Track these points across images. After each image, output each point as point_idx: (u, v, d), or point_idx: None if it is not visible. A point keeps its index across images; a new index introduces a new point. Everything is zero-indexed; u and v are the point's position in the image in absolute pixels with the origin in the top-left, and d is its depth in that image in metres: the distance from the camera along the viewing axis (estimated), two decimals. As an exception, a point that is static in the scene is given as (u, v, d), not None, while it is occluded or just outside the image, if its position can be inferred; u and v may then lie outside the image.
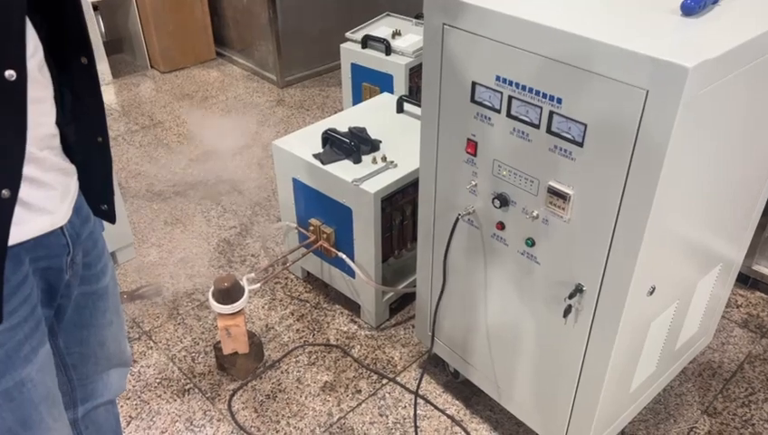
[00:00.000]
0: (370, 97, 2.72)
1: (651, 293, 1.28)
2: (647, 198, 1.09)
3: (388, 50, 2.68)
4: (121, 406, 1.76)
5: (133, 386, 1.82)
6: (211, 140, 3.09)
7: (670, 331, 1.51)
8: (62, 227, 0.93)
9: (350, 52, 2.80)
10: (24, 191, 0.83)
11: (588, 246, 1.22)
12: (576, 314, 1.30)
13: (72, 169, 0.97)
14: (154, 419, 1.73)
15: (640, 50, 0.99)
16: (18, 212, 0.83)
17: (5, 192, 0.78)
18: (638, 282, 1.20)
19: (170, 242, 2.40)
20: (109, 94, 3.56)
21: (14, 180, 0.78)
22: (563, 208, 1.22)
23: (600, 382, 1.34)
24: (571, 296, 1.27)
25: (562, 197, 1.21)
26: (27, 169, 0.84)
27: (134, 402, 1.77)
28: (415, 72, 2.65)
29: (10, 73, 0.73)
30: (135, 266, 2.28)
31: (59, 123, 0.90)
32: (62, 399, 1.16)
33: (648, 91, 1.00)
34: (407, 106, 2.16)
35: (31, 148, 0.83)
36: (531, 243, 1.32)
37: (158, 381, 1.84)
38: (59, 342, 1.07)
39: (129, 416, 1.74)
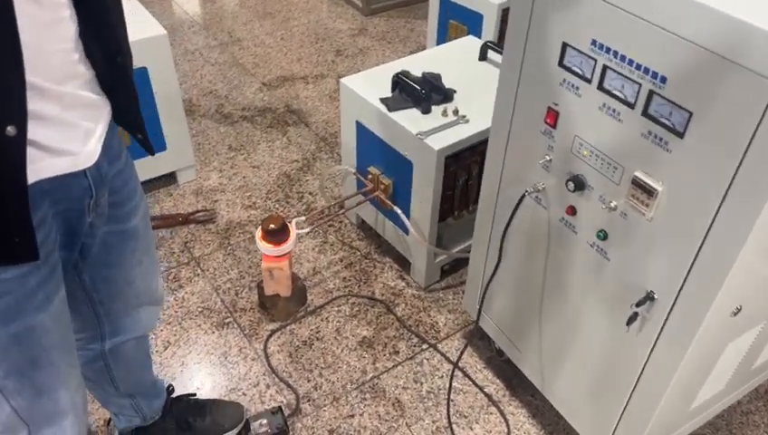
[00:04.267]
0: (456, 37, 2.52)
1: (736, 314, 1.10)
2: (754, 208, 0.90)
3: (483, -14, 2.44)
4: (161, 330, 1.77)
5: (176, 312, 1.83)
6: (286, 65, 2.99)
7: (749, 352, 1.33)
8: (84, 170, 0.86)
9: (441, -16, 2.58)
10: (39, 131, 0.76)
11: (669, 252, 1.05)
12: (641, 323, 1.15)
13: (103, 101, 0.89)
14: (190, 348, 1.74)
15: (780, 31, 0.79)
16: (32, 152, 0.76)
17: (11, 129, 0.71)
18: (723, 301, 1.03)
19: (231, 168, 2.37)
20: (193, 5, 3.51)
21: (17, 115, 0.71)
22: (647, 205, 1.05)
23: (658, 399, 1.20)
24: (639, 304, 1.12)
25: (649, 192, 1.03)
26: (44, 107, 0.76)
27: (174, 328, 1.78)
28: (509, 16, 2.42)
29: None
30: (194, 189, 2.26)
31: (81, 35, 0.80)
32: (88, 332, 1.15)
33: (779, 85, 0.80)
34: (491, 54, 1.96)
35: (45, 82, 0.75)
36: (603, 236, 1.16)
37: (199, 309, 1.84)
38: (85, 279, 1.04)
39: (168, 341, 1.75)
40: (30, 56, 0.70)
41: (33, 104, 0.73)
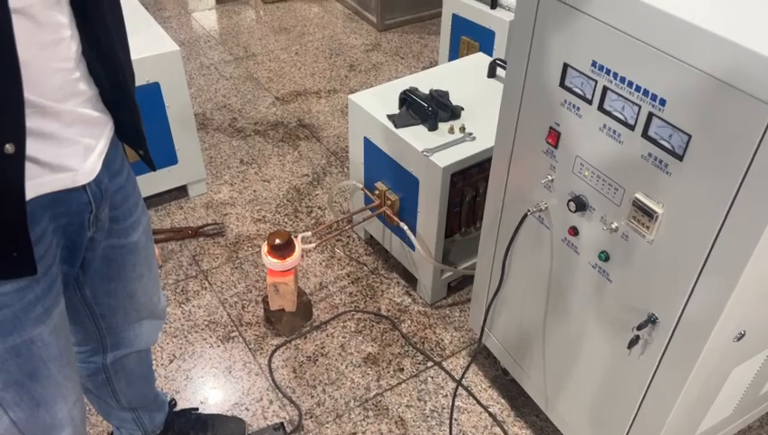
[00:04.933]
0: (468, 53, 2.53)
1: (739, 339, 1.08)
2: (754, 232, 0.89)
3: (494, 3, 2.45)
4: (167, 343, 1.78)
5: (182, 325, 1.84)
6: (300, 79, 3.02)
7: (756, 378, 1.30)
8: (84, 185, 0.88)
9: (453, 0, 2.59)
10: (39, 147, 0.78)
11: (670, 275, 1.03)
12: (643, 346, 1.13)
13: (106, 118, 0.91)
14: (195, 362, 1.74)
15: (777, 55, 0.78)
16: (31, 168, 0.77)
17: (9, 147, 0.72)
18: (726, 325, 1.01)
19: (242, 182, 2.39)
20: (209, 20, 3.56)
21: (15, 133, 0.72)
22: (648, 227, 1.03)
23: (661, 424, 1.17)
24: (640, 327, 1.10)
25: (649, 214, 1.02)
26: (44, 124, 0.78)
27: (180, 342, 1.79)
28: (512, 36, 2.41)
29: None
30: (204, 202, 2.28)
31: (84, 54, 0.82)
32: (90, 345, 1.16)
33: (778, 109, 0.79)
34: (499, 71, 1.97)
35: (45, 101, 0.77)
36: (605, 257, 1.15)
37: (206, 323, 1.85)
38: (86, 292, 1.05)
39: (173, 355, 1.76)
40: (29, 75, 0.72)
41: (33, 122, 0.75)
